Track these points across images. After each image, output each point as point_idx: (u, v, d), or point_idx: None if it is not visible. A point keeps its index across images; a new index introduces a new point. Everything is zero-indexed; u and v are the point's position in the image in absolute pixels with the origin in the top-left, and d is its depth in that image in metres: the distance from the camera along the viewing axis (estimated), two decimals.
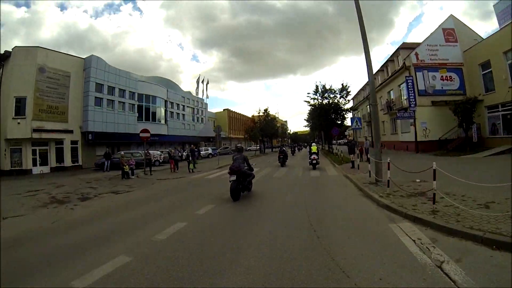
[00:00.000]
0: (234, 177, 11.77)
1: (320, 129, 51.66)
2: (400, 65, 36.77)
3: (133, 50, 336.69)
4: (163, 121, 55.08)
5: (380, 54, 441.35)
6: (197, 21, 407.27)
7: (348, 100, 43.34)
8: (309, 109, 49.64)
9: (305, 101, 44.54)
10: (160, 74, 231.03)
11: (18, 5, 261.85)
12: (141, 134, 25.74)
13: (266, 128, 64.04)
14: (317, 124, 48.34)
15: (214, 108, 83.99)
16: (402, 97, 36.43)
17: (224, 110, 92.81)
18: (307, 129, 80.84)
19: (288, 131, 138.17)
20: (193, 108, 67.36)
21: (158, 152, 39.37)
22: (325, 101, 42.11)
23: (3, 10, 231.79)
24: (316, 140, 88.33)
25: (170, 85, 61.64)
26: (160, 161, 37.28)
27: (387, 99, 42.25)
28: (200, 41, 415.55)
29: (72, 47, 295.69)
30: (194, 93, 69.62)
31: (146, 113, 50.09)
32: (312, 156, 24.21)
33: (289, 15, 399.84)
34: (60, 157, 36.10)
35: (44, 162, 34.52)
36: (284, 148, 32.26)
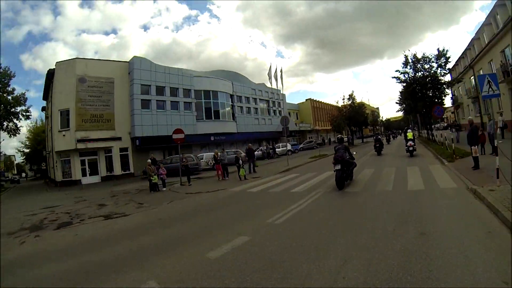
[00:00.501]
0: (338, 166, 12.47)
1: (416, 111, 42.35)
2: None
3: (217, 55, 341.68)
4: (229, 118, 49.47)
5: (470, 24, 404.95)
6: (274, 18, 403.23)
7: (449, 70, 34.21)
8: (400, 88, 40.43)
9: (394, 77, 35.33)
10: (247, 74, 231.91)
11: (106, 33, 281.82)
12: (173, 136, 22.69)
13: (353, 116, 56.52)
14: (412, 106, 39.23)
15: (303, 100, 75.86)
16: None
17: (306, 100, 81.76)
18: (400, 114, 72.85)
19: (380, 118, 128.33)
20: (268, 101, 60.91)
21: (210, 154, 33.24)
22: (419, 73, 33.20)
23: (93, 41, 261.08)
24: (411, 126, 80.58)
25: (237, 78, 55.68)
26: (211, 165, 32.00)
27: (501, 62, 31.74)
28: (281, 36, 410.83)
29: (161, 60, 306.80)
30: (268, 85, 62.57)
31: (207, 111, 45.25)
32: (409, 143, 23.66)
33: None
34: (110, 165, 35.73)
35: (94, 171, 34.79)
36: (380, 137, 31.46)
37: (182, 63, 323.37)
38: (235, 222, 9.18)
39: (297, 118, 75.36)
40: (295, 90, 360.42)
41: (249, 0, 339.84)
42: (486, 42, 35.37)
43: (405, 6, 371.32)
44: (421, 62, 32.53)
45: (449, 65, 33.55)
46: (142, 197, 17.98)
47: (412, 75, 33.62)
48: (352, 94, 58.19)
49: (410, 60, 33.07)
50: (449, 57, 31.62)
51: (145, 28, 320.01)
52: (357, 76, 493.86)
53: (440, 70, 32.15)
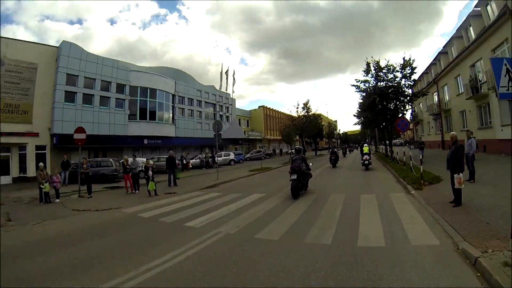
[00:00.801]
0: (295, 176, 12.89)
1: (375, 125, 37.95)
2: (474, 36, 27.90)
3: (182, 57, 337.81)
4: (169, 120, 43.68)
5: (430, 48, 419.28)
6: (243, 25, 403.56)
7: (414, 81, 30.53)
8: (359, 99, 36.76)
9: (353, 85, 31.23)
10: (208, 80, 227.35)
11: (71, 23, 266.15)
12: (75, 136, 18.75)
13: (307, 127, 52.25)
14: (371, 119, 34.74)
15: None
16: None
17: (259, 107, 76.28)
18: (358, 127, 70.87)
19: (337, 131, 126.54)
20: (215, 105, 55.07)
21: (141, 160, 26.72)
22: (381, 83, 29.12)
23: (56, 29, 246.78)
24: (368, 140, 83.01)
25: (182, 77, 49.95)
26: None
27: (470, 77, 28.60)
28: (247, 44, 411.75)
29: (124, 57, 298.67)
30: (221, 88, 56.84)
31: (142, 111, 39.28)
32: (365, 157, 24.33)
33: (334, 13, 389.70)
34: (24, 165, 29.80)
35: (5, 171, 28.50)
36: (336, 150, 32.62)
37: (146, 61, 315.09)
38: (74, 273, 5.79)
39: (248, 126, 70.14)
40: (256, 99, 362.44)
41: (220, 0, 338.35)
42: (455, 56, 32.69)
43: (372, 24, 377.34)
44: (384, 71, 28.64)
45: (415, 76, 30.06)
46: (23, 210, 14.42)
47: (373, 84, 29.68)
48: (307, 103, 54.08)
49: (372, 68, 29.13)
50: (415, 68, 27.97)
51: (112, 22, 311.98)
52: (318, 88, 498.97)
53: (405, 81, 28.59)
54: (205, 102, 52.24)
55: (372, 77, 29.45)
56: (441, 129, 40.08)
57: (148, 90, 39.68)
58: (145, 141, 39.21)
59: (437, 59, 40.18)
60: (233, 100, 60.36)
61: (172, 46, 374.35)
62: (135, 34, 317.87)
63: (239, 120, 65.57)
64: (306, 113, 53.00)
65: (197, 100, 49.93)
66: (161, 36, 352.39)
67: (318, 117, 61.87)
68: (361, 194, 12.70)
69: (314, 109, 57.27)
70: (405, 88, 28.74)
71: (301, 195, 13.30)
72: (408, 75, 27.92)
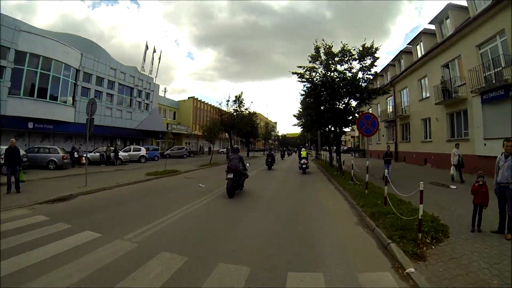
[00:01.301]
0: (231, 175, 12.81)
1: (319, 126, 29.97)
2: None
3: (129, 43, 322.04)
4: (67, 101, 33.93)
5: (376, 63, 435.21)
6: (194, 18, 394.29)
7: (374, 75, 23.63)
8: (300, 94, 29.41)
9: (295, 73, 23.59)
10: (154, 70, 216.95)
11: None
12: None
13: (238, 124, 44.60)
14: (314, 118, 27.50)
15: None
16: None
17: (189, 98, 66.17)
18: (298, 130, 67.03)
19: (275, 132, 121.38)
20: (133, 89, 45.00)
21: None
22: (333, 73, 22.20)
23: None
24: (307, 145, 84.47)
25: (92, 49, 39.85)
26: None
27: (442, 78, 23.44)
28: (196, 38, 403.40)
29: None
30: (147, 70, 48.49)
31: (29, 85, 29.54)
32: (302, 161, 24.67)
33: (287, 18, 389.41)
34: None
35: None
36: (272, 152, 32.08)
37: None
38: None
39: (174, 118, 62.79)
40: (199, 94, 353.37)
41: None
42: (423, 53, 27.58)
43: (323, 33, 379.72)
44: (336, 58, 21.78)
45: (376, 69, 23.66)
46: None
47: (322, 73, 22.53)
48: (239, 96, 45.33)
49: (322, 54, 22.15)
50: (377, 58, 21.44)
51: None
52: (261, 90, 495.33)
53: (363, 74, 21.99)
54: (120, 84, 42.51)
55: (321, 64, 22.43)
56: (395, 139, 34.87)
57: (41, 58, 29.65)
58: (30, 125, 29.54)
59: (396, 59, 34.70)
60: (156, 86, 51.10)
61: (120, 31, 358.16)
62: (83, 13, 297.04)
63: (164, 111, 57.26)
64: (238, 108, 45.15)
65: (109, 80, 40.35)
66: (110, 19, 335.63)
67: (253, 115, 55.05)
68: None
69: (249, 104, 54.14)
70: (362, 83, 22.25)
71: (237, 194, 13.43)
72: (367, 67, 21.44)
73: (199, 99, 67.31)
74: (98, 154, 31.17)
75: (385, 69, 38.76)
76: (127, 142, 43.38)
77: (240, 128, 45.85)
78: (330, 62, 21.82)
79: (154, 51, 47.06)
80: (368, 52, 20.89)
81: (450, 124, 23.27)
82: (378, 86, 30.31)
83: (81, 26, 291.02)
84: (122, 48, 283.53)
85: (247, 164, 15.61)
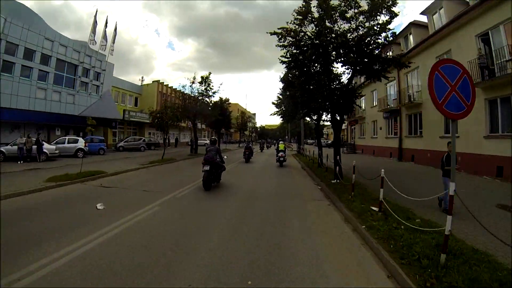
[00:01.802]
0: (207, 167, 12.63)
1: (308, 111, 23.19)
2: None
3: (107, 31, 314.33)
4: None
5: None
6: (176, 8, 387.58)
7: (393, 36, 15.57)
8: (282, 71, 24.15)
9: (274, 32, 15.76)
10: (134, 60, 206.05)
11: None
12: None
13: (203, 110, 36.93)
14: (301, 100, 20.43)
15: None
16: None
17: (153, 82, 56.46)
18: (278, 121, 60.74)
19: (252, 123, 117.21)
20: (77, 67, 36.20)
21: None
22: (330, 35, 14.76)
23: None
24: (287, 137, 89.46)
25: (23, 14, 30.94)
26: None
27: (478, 51, 17.41)
28: (177, 28, 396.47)
29: (46, 21, 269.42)
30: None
31: None
32: (280, 154, 24.94)
33: (269, 11, 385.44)
34: None
35: None
36: (250, 145, 31.11)
37: (70, 31, 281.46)
38: None
39: (136, 105, 53.38)
40: (178, 84, 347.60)
41: None
42: (443, 23, 21.35)
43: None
44: (338, 12, 14.68)
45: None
46: None
47: (313, 34, 15.12)
48: (207, 77, 36.52)
49: (314, 9, 15.02)
50: (396, 15, 14.52)
51: None
52: (241, 82, 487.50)
53: (375, 36, 14.80)
54: (60, 60, 33.75)
55: (312, 22, 15.21)
56: (398, 133, 28.33)
57: None
58: None
59: (402, 35, 27.48)
60: (110, 66, 42.03)
61: (99, 18, 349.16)
62: None
63: (123, 95, 48.88)
64: (204, 91, 36.79)
65: (43, 54, 31.62)
66: (89, 6, 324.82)
67: (225, 101, 48.98)
68: None
69: (218, 88, 45.51)
70: (373, 47, 15.21)
71: (213, 187, 13.27)
72: (381, 25, 14.37)
73: (164, 83, 57.83)
74: (16, 147, 23.12)
75: (384, 48, 31.22)
76: (70, 132, 35.57)
77: (207, 116, 38.40)
78: (325, 19, 14.64)
79: (106, 24, 38.55)
80: (383, 2, 13.89)
81: (490, 114, 17.00)
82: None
83: (59, 11, 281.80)
84: (99, 35, 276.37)
85: (225, 157, 15.10)
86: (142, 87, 54.39)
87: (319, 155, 22.93)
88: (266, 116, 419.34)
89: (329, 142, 61.40)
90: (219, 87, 50.08)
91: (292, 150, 50.97)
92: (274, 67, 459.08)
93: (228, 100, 50.24)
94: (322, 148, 24.24)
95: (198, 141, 65.87)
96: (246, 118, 76.81)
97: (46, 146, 24.39)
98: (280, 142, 29.37)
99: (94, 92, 38.71)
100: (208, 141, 57.63)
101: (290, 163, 27.29)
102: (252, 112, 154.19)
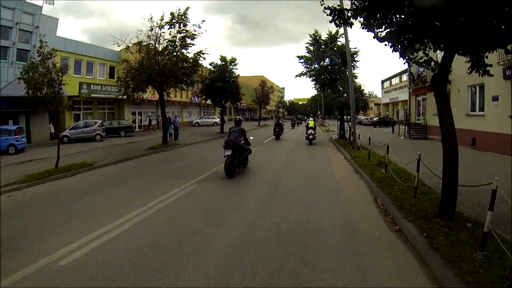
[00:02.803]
0: (229, 152, 11.30)
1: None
2: None
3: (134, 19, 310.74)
4: None
5: None
6: None
7: None
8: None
9: None
10: None
11: None
12: None
13: (175, 68, 21.54)
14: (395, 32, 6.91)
15: None
16: None
17: (133, 44, 22.72)
18: (309, 93, 52.79)
19: (280, 97, 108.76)
20: None
21: None
22: None
23: None
24: (318, 113, 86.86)
25: None
26: None
27: None
28: (203, 7, 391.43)
29: (69, 11, 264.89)
30: None
31: None
32: (309, 131, 23.86)
33: None
34: None
35: None
36: (280, 121, 30.12)
37: (94, 19, 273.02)
38: None
39: (113, 77, 36.64)
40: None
41: None
42: None
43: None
44: None
45: None
46: None
47: None
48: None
49: None
50: None
51: None
52: (270, 57, 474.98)
53: None
54: None
55: None
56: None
57: None
58: None
59: None
60: (51, 22, 28.75)
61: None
62: None
63: (91, 65, 35.43)
64: (180, 38, 21.91)
65: None
66: None
67: (231, 62, 34.97)
68: None
69: (197, 28, 23.76)
70: None
71: (238, 173, 12.10)
72: None
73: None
74: None
75: None
76: None
77: (179, 79, 22.80)
78: None
79: None
80: None
81: None
82: None
83: None
84: (124, 22, 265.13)
85: (251, 137, 13.62)
86: (120, 53, 39.62)
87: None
88: (296, 90, 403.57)
89: (374, 118, 47.88)
90: (200, 25, 26.42)
91: (328, 132, 36.85)
92: (303, 41, 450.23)
93: (234, 60, 36.02)
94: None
95: (204, 120, 50.68)
96: (267, 88, 61.45)
97: None
98: (310, 118, 26.72)
99: (23, 60, 25.19)
100: (217, 120, 49.65)
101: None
102: (281, 86, 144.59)
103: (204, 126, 48.76)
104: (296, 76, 36.46)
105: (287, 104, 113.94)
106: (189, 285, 4.16)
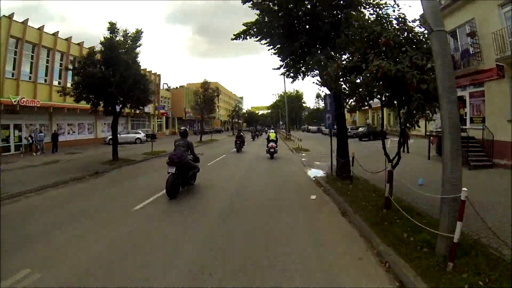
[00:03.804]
0: (173, 169, 9.72)
1: None
2: None
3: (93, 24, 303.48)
4: None
5: None
6: None
7: None
8: None
9: None
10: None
11: None
12: None
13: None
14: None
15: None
16: None
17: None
18: (268, 102, 47.79)
19: (237, 106, 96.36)
20: None
21: None
22: None
23: None
24: (279, 124, 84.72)
25: None
26: None
27: None
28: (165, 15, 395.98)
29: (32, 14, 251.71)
30: None
31: None
32: (270, 144, 21.84)
33: None
34: None
35: None
36: (241, 133, 29.25)
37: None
38: None
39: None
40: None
41: None
42: None
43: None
44: None
45: None
46: None
47: None
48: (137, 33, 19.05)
49: None
50: None
51: None
52: (231, 67, 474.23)
53: None
54: None
55: None
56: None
57: None
58: None
59: None
60: None
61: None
62: None
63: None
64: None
65: None
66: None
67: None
68: None
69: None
70: None
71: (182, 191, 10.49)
72: None
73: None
74: None
75: None
76: None
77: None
78: None
79: None
80: None
81: None
82: None
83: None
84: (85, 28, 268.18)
85: (200, 153, 12.86)
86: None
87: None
88: (255, 98, 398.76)
89: (359, 129, 39.53)
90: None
91: (300, 151, 26.63)
92: (264, 52, 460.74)
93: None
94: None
95: (124, 136, 36.85)
96: (212, 91, 50.78)
97: None
98: (271, 130, 24.08)
99: None
100: (141, 136, 41.24)
101: None
102: (238, 96, 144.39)
103: (120, 145, 30.56)
104: (233, 38, 15.56)
105: (246, 114, 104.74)
106: None
